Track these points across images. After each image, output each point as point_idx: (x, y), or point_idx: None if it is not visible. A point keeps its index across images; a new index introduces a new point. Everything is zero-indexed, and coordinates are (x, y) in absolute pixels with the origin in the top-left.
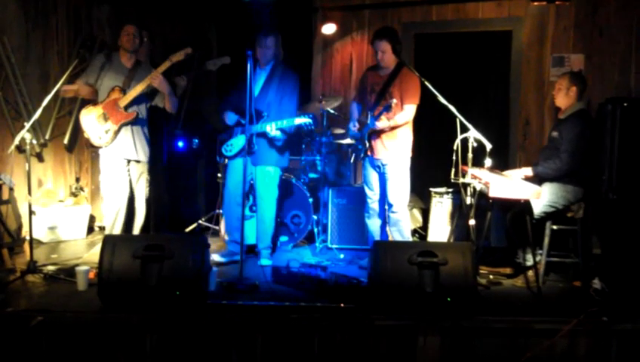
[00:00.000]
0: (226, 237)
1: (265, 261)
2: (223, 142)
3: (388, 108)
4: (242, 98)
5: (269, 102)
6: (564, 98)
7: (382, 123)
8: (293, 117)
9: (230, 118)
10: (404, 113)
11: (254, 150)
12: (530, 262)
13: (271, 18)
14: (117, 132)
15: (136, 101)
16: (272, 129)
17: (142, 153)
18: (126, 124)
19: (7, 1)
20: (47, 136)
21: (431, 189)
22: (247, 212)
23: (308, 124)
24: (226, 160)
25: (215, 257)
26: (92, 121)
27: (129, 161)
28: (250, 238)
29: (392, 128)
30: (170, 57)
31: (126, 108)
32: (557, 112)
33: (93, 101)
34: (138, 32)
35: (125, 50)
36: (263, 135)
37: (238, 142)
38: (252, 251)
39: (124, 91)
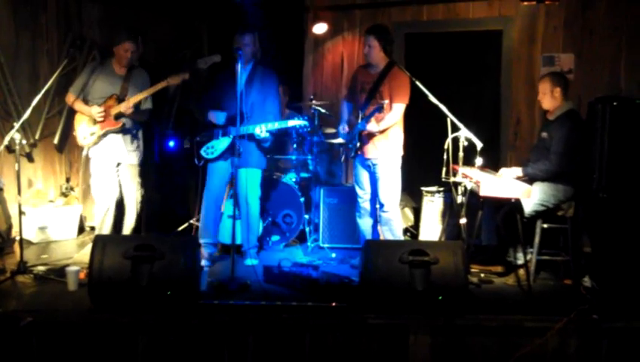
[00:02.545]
0: (202, 241)
1: (252, 261)
2: (201, 144)
3: (380, 110)
4: (226, 98)
5: (252, 102)
6: (550, 101)
7: (372, 126)
8: (285, 119)
9: (219, 117)
10: (393, 113)
11: (240, 152)
12: (521, 261)
13: (262, 17)
14: (101, 136)
15: None
16: (262, 131)
17: (132, 156)
18: (112, 132)
19: None
20: (37, 136)
21: (422, 188)
22: (229, 212)
23: (303, 126)
24: (203, 162)
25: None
26: (83, 122)
27: (119, 164)
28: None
29: (382, 131)
30: (168, 79)
31: (116, 117)
32: (546, 112)
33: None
34: (135, 48)
35: (119, 64)
36: (249, 137)
37: (220, 144)
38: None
39: (119, 100)
